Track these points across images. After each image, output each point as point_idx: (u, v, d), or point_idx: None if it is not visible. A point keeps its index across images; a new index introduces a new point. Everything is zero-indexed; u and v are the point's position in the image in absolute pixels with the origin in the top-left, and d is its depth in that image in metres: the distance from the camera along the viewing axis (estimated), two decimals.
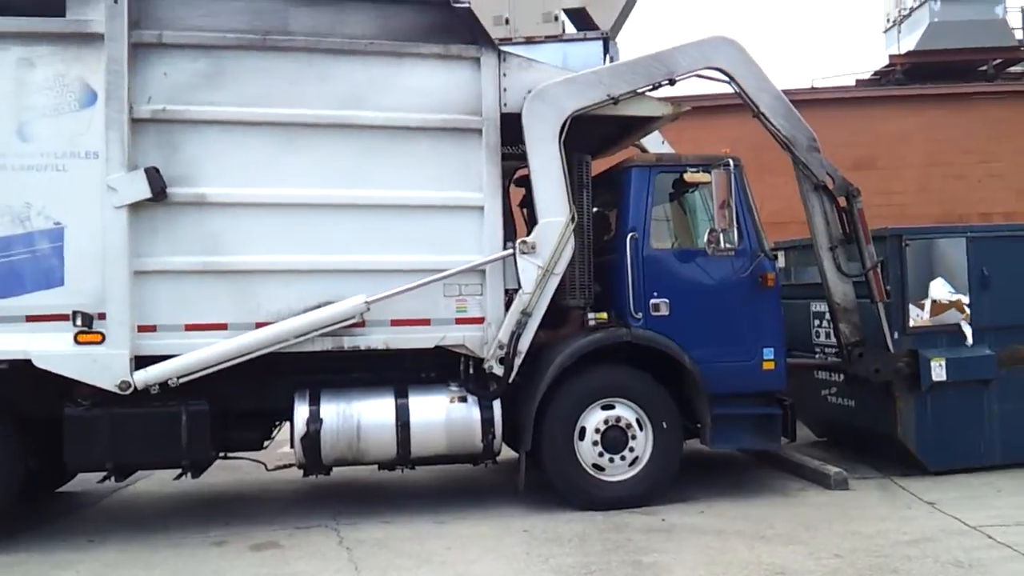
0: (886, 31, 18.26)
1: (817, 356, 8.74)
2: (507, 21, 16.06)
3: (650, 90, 7.58)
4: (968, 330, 8.00)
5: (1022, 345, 8.16)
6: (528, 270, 7.08)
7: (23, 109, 6.62)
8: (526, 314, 7.08)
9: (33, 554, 6.40)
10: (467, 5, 7.38)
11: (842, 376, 8.34)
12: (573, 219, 7.22)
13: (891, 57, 17.05)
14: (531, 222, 7.84)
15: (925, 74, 16.49)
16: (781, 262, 9.74)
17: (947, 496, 7.20)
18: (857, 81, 16.98)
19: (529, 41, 15.64)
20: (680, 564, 5.67)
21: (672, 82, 7.57)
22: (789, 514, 6.87)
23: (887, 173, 14.49)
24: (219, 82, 6.92)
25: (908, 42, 16.82)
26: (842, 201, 7.84)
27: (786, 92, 15.78)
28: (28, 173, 6.58)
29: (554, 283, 7.18)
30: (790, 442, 7.90)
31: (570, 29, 16.60)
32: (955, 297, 8.08)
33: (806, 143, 7.76)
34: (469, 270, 7.09)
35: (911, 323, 8.00)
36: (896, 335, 7.90)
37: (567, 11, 16.78)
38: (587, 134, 8.01)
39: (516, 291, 7.20)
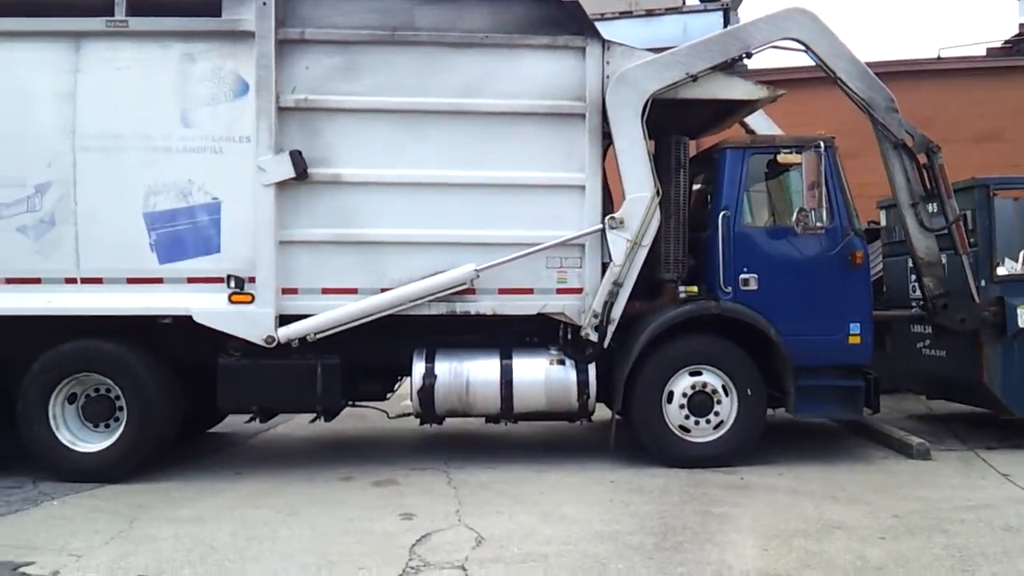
0: None
1: (913, 310, 8.99)
2: None
3: (728, 65, 7.97)
4: None
5: None
6: (618, 243, 7.70)
7: (186, 98, 7.64)
8: (617, 284, 7.73)
9: (190, 483, 7.51)
10: None
11: (931, 328, 8.64)
12: (658, 193, 7.77)
13: (1021, 26, 16.52)
14: None
15: None
16: (883, 221, 10.05)
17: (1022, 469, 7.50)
18: (988, 50, 16.51)
19: (649, 13, 16.03)
20: (747, 515, 6.26)
21: (749, 55, 8.01)
22: (864, 479, 7.32)
23: (1015, 146, 14.25)
24: (353, 74, 7.77)
25: None
26: (923, 158, 8.10)
27: (910, 62, 15.75)
28: (190, 154, 7.62)
29: (642, 255, 7.77)
30: (873, 413, 8.25)
31: (691, 1, 16.82)
32: None
33: (884, 104, 8.06)
34: (569, 244, 7.78)
35: (999, 272, 8.25)
36: (983, 283, 8.19)
37: None
38: (690, 116, 8.58)
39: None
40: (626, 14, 16.27)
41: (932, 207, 8.23)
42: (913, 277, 9.04)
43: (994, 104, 14.46)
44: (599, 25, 15.80)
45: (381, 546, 5.66)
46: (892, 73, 15.11)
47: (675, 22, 15.83)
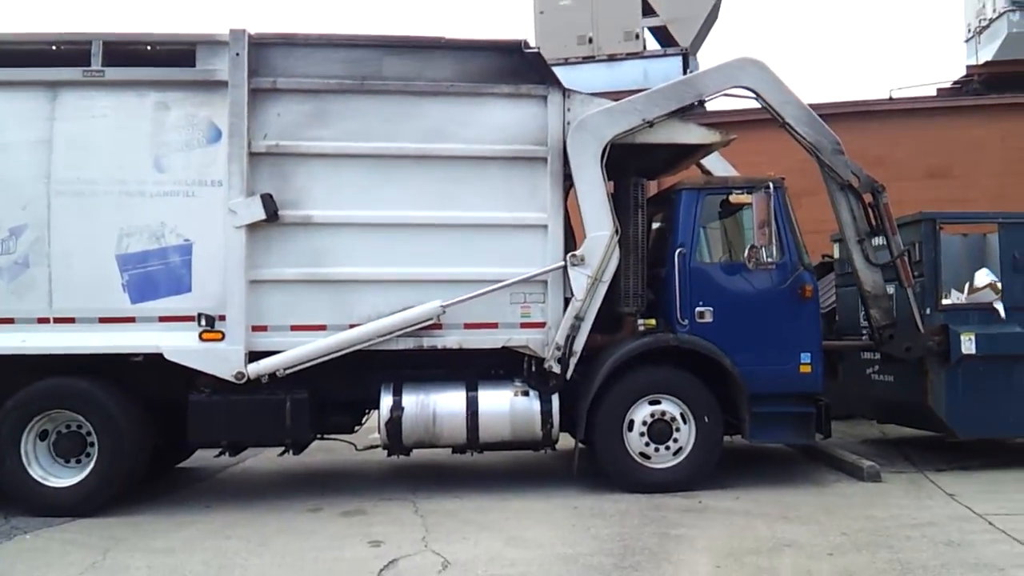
0: (966, 41, 18.40)
1: (863, 339, 9.34)
2: (590, 40, 16.98)
3: (683, 111, 8.38)
4: (1001, 308, 8.63)
5: None
6: (579, 279, 8.02)
7: (160, 145, 7.92)
8: (579, 319, 8.04)
9: (161, 515, 7.66)
10: (536, 50, 8.38)
11: (879, 355, 9.04)
12: (617, 232, 8.12)
13: (968, 67, 17.23)
14: None
15: (1003, 84, 16.63)
16: (836, 254, 10.48)
17: (969, 489, 7.81)
18: (938, 91, 17.20)
19: (611, 58, 16.59)
20: (702, 536, 6.54)
21: (702, 103, 8.45)
22: (817, 501, 7.62)
23: (963, 181, 14.79)
24: (323, 121, 8.10)
25: (987, 52, 16.98)
26: (868, 197, 8.54)
27: (862, 103, 16.31)
28: (163, 198, 7.88)
29: (602, 290, 8.10)
30: (824, 438, 8.58)
31: (652, 45, 17.38)
32: (991, 279, 8.77)
33: (830, 147, 8.50)
34: (532, 280, 8.09)
35: (944, 301, 8.71)
36: (929, 311, 8.61)
37: (650, 28, 17.61)
38: (649, 158, 8.97)
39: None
40: (589, 59, 16.83)
41: (877, 241, 8.66)
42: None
43: (943, 143, 15.01)
44: (562, 70, 16.33)
45: (350, 572, 5.89)
46: (845, 114, 15.81)
47: (635, 67, 16.42)
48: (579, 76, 15.46)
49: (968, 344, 8.47)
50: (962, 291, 9.19)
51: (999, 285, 8.81)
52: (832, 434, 8.65)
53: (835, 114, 15.58)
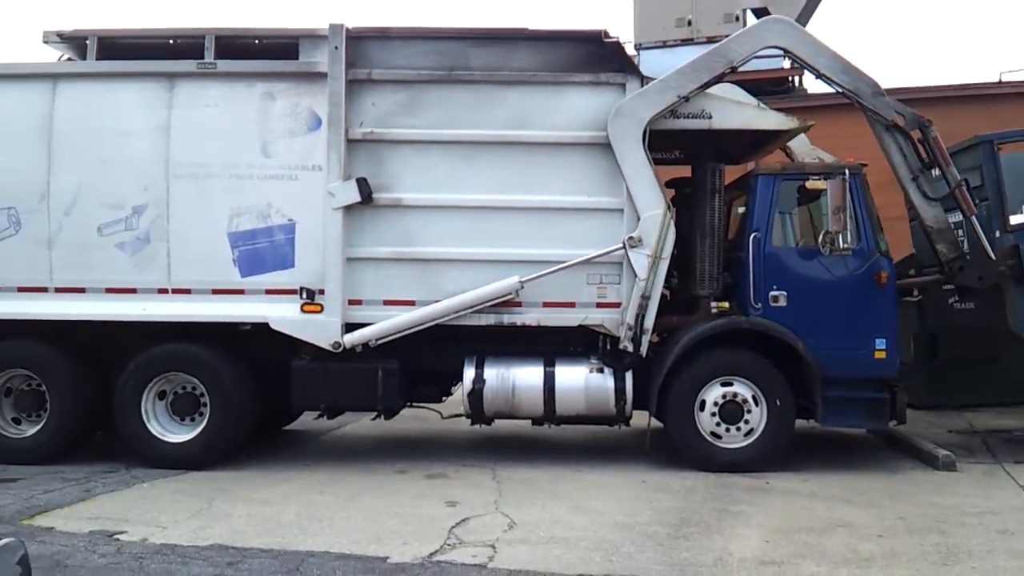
0: None
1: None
2: (689, 23, 17.03)
3: (715, 81, 8.49)
4: None
5: None
6: (639, 260, 8.31)
7: (266, 132, 8.59)
8: (645, 297, 8.33)
9: (264, 472, 8.41)
10: (616, 39, 8.67)
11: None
12: (669, 209, 8.37)
13: None
14: (681, 219, 9.09)
15: None
16: None
17: None
18: None
19: (710, 41, 16.56)
20: (760, 514, 6.81)
21: (734, 70, 8.52)
22: (884, 487, 7.75)
23: None
24: (414, 109, 8.62)
25: None
26: (916, 134, 8.53)
27: (971, 86, 15.93)
28: (269, 181, 8.55)
29: (663, 267, 8.36)
30: (898, 424, 8.66)
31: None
32: None
33: (870, 91, 8.52)
34: (608, 261, 8.43)
35: (1012, 221, 8.64)
36: (998, 233, 8.58)
37: (753, 10, 17.49)
38: (731, 144, 9.19)
39: None
40: (687, 41, 16.87)
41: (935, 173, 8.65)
42: None
43: None
44: (660, 53, 16.47)
45: (424, 527, 6.40)
46: (953, 97, 15.51)
47: None
48: (678, 59, 15.47)
49: None
50: None
51: None
52: (906, 420, 8.70)
53: (943, 98, 15.46)
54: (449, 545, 5.97)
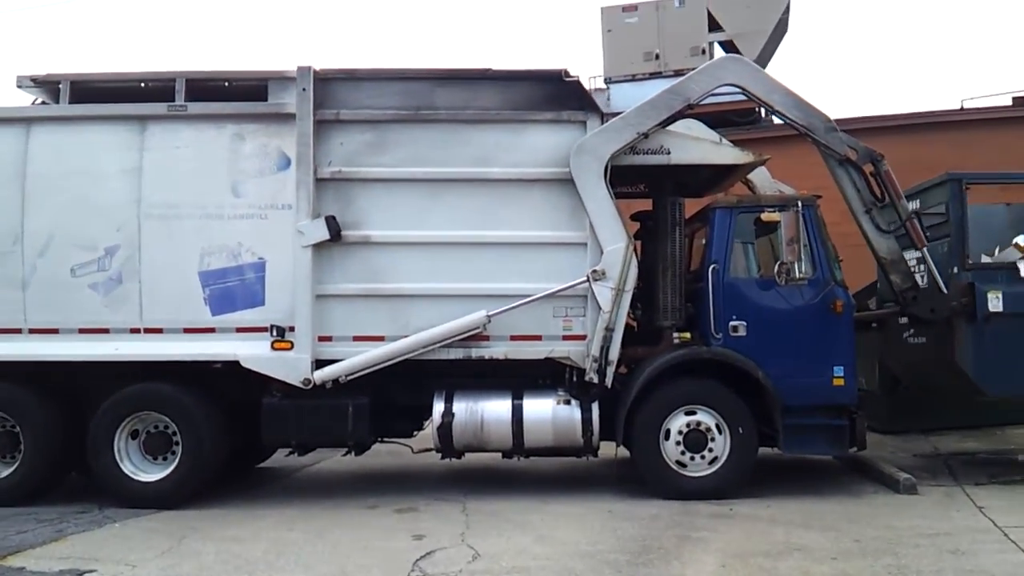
0: None
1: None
2: (657, 56, 17.39)
3: (674, 118, 8.74)
4: (1023, 267, 8.74)
5: None
6: (603, 293, 8.50)
7: (236, 172, 8.76)
8: (609, 329, 8.51)
9: (235, 509, 8.48)
10: (576, 78, 8.92)
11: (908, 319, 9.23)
12: (631, 241, 8.58)
13: None
14: (644, 252, 9.35)
15: None
16: None
17: (1001, 503, 7.98)
18: (1013, 100, 16.94)
19: (678, 74, 16.91)
20: (720, 539, 6.95)
21: (691, 107, 8.77)
22: (844, 511, 7.90)
23: None
24: (381, 148, 8.82)
25: None
26: (869, 167, 8.78)
27: (933, 114, 16.26)
28: (240, 221, 8.71)
29: (626, 300, 8.55)
30: (858, 451, 8.82)
31: None
32: (1016, 240, 8.91)
33: (823, 127, 8.81)
34: (572, 295, 8.61)
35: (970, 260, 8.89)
36: (956, 270, 8.83)
37: (720, 43, 17.88)
38: (691, 178, 9.44)
39: None
40: (656, 75, 17.22)
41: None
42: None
43: (1018, 152, 14.79)
44: (629, 86, 16.77)
45: (390, 560, 6.52)
46: (916, 125, 15.86)
47: None
48: (647, 92, 15.77)
49: (995, 302, 8.61)
50: (991, 255, 9.30)
51: (1022, 244, 8.86)
52: (866, 446, 8.86)
53: (906, 125, 15.85)
54: None
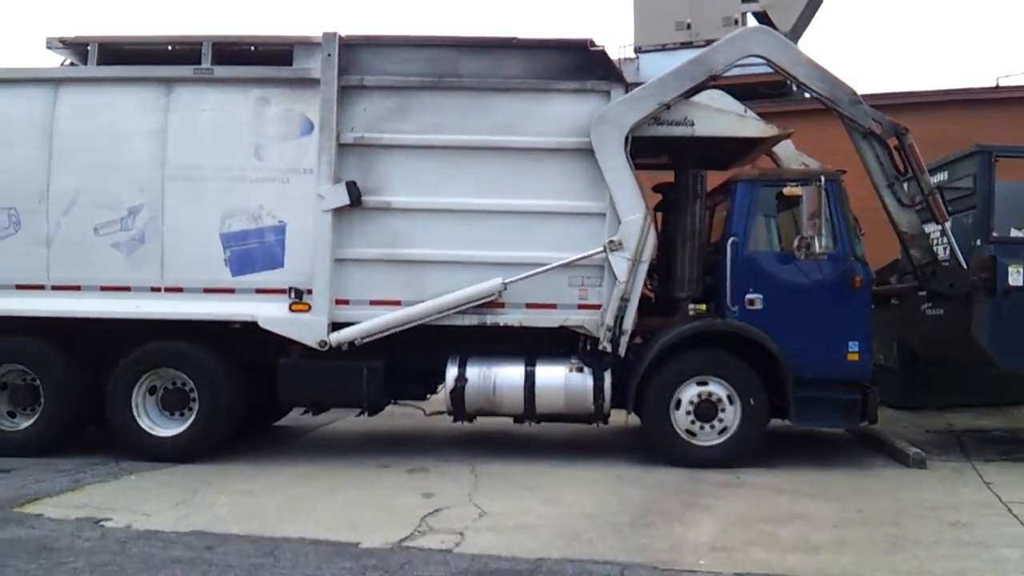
0: None
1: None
2: (688, 26, 17.28)
3: (697, 89, 8.72)
4: None
5: None
6: (619, 263, 8.53)
7: (260, 136, 8.86)
8: (624, 299, 8.55)
9: (250, 465, 8.65)
10: (601, 47, 8.91)
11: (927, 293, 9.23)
12: (649, 212, 8.58)
13: None
14: (665, 223, 9.40)
15: None
16: None
17: (1008, 479, 7.98)
18: None
19: (709, 44, 16.82)
20: (725, 506, 7.03)
21: (714, 78, 8.74)
22: (852, 482, 7.96)
23: None
24: (404, 115, 8.87)
25: None
26: (893, 141, 8.73)
27: (968, 91, 16.03)
28: (261, 184, 8.82)
29: (643, 270, 8.58)
30: (869, 425, 8.88)
31: None
32: None
33: (847, 99, 8.74)
34: (589, 264, 8.66)
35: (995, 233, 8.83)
36: (979, 242, 8.77)
37: (753, 13, 17.70)
38: (716, 151, 9.43)
39: None
40: (687, 45, 17.11)
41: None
42: None
43: None
44: (659, 56, 16.61)
45: (398, 516, 6.63)
46: (950, 102, 15.64)
47: None
48: (676, 62, 15.76)
49: (1016, 276, 8.59)
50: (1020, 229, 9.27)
51: None
52: (877, 420, 8.90)
53: (939, 102, 15.64)
54: (419, 532, 6.22)
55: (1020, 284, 8.55)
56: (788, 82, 17.00)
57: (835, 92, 8.78)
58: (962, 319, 8.83)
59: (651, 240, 8.62)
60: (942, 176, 9.49)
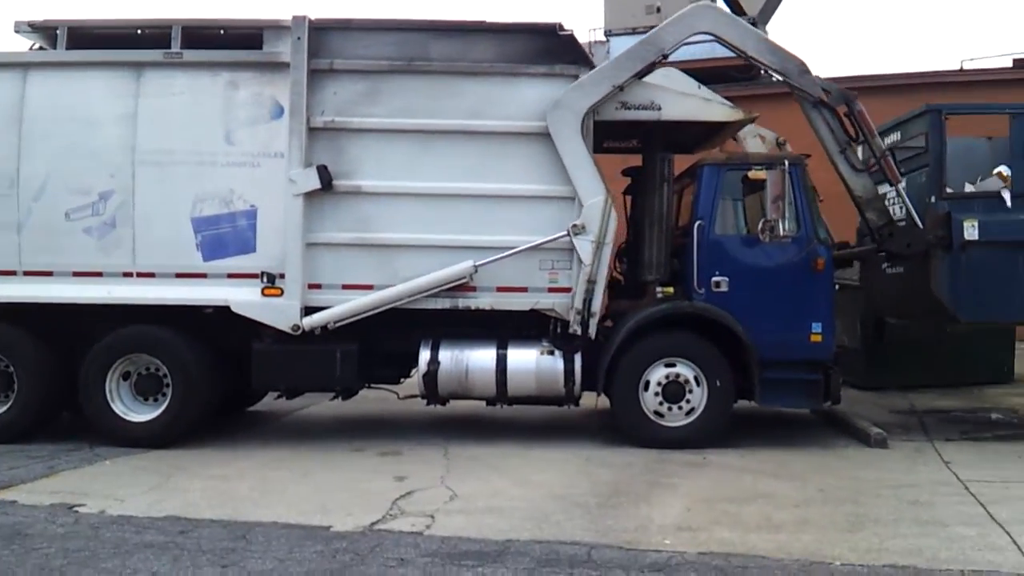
0: None
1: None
2: (658, 9, 17.39)
3: (648, 69, 8.81)
4: (1007, 195, 8.85)
5: None
6: (584, 246, 8.63)
7: (230, 120, 8.86)
8: (591, 282, 8.66)
9: (223, 449, 8.73)
10: (570, 32, 8.97)
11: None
12: (609, 195, 8.67)
13: None
14: (633, 207, 9.49)
15: None
16: None
17: (967, 458, 8.18)
18: (1014, 61, 16.89)
19: None
20: (688, 485, 7.20)
21: (665, 57, 8.86)
22: (815, 461, 8.14)
23: None
24: (374, 99, 8.89)
25: None
26: (843, 108, 8.91)
27: (932, 74, 16.22)
28: (232, 168, 8.82)
29: (607, 252, 8.70)
30: (832, 404, 9.07)
31: None
32: (999, 169, 9.05)
33: (797, 70, 8.92)
34: (559, 248, 8.75)
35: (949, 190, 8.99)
36: (933, 199, 8.93)
37: None
38: (683, 135, 9.54)
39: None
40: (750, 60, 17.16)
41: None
42: None
43: None
44: (630, 39, 16.74)
45: (370, 499, 6.76)
46: (914, 85, 15.86)
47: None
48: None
49: (971, 231, 8.69)
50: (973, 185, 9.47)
51: (1005, 173, 8.98)
52: (840, 400, 9.09)
53: (904, 85, 15.84)
54: (391, 515, 6.34)
55: (976, 238, 8.69)
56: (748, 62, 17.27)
57: (784, 64, 8.93)
58: (922, 276, 8.99)
59: (613, 222, 8.72)
60: (895, 136, 9.68)
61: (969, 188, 9.33)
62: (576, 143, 8.69)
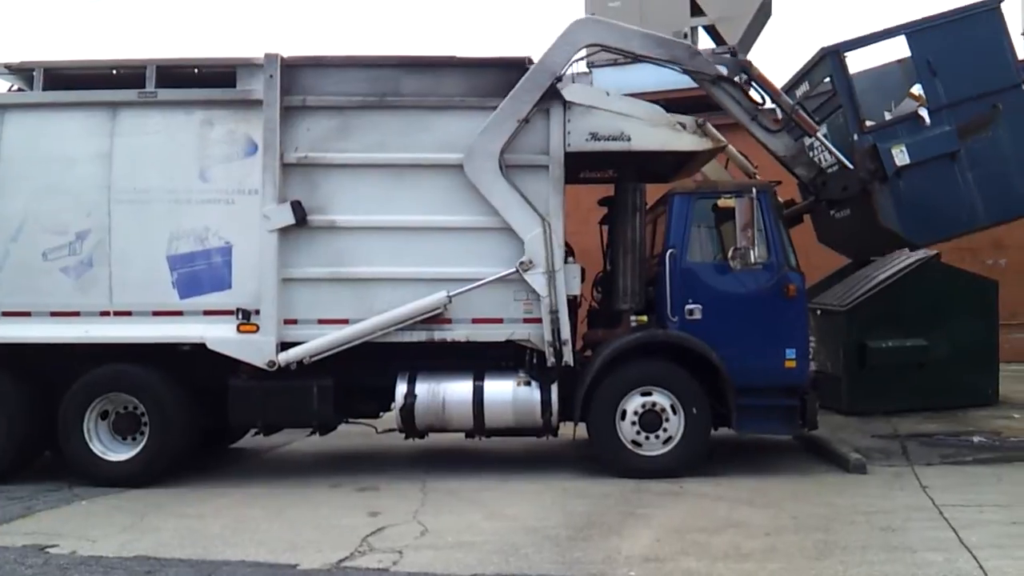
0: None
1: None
2: None
3: (547, 95, 8.78)
4: (925, 112, 8.95)
5: (978, 114, 9.00)
6: (537, 280, 8.69)
7: (204, 158, 8.92)
8: (553, 311, 8.69)
9: (201, 488, 8.69)
10: None
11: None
12: (546, 223, 8.70)
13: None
14: (609, 236, 9.60)
15: None
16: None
17: (944, 483, 8.13)
18: None
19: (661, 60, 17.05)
20: (662, 515, 7.19)
21: (559, 78, 8.87)
22: (791, 488, 8.13)
23: None
24: (347, 134, 8.97)
25: None
26: (742, 78, 9.06)
27: None
28: (207, 205, 8.88)
29: (561, 278, 8.72)
30: (809, 431, 9.10)
31: (706, 45, 17.76)
32: (912, 90, 9.20)
33: (686, 55, 9.13)
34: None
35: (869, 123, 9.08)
36: (856, 136, 8.99)
37: (704, 27, 17.98)
38: (656, 164, 9.60)
39: (576, 297, 8.97)
40: (639, 59, 17.28)
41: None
42: None
43: None
44: (611, 71, 16.82)
45: (341, 536, 6.74)
46: None
47: None
48: (628, 77, 15.99)
49: (901, 156, 8.81)
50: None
51: (917, 92, 9.04)
52: (817, 426, 9.11)
53: None
54: (359, 552, 6.33)
55: (908, 161, 8.78)
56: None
57: (673, 52, 9.11)
58: (868, 213, 9.05)
59: (559, 249, 8.76)
60: (805, 87, 9.74)
61: (888, 116, 9.39)
62: (499, 184, 8.76)
